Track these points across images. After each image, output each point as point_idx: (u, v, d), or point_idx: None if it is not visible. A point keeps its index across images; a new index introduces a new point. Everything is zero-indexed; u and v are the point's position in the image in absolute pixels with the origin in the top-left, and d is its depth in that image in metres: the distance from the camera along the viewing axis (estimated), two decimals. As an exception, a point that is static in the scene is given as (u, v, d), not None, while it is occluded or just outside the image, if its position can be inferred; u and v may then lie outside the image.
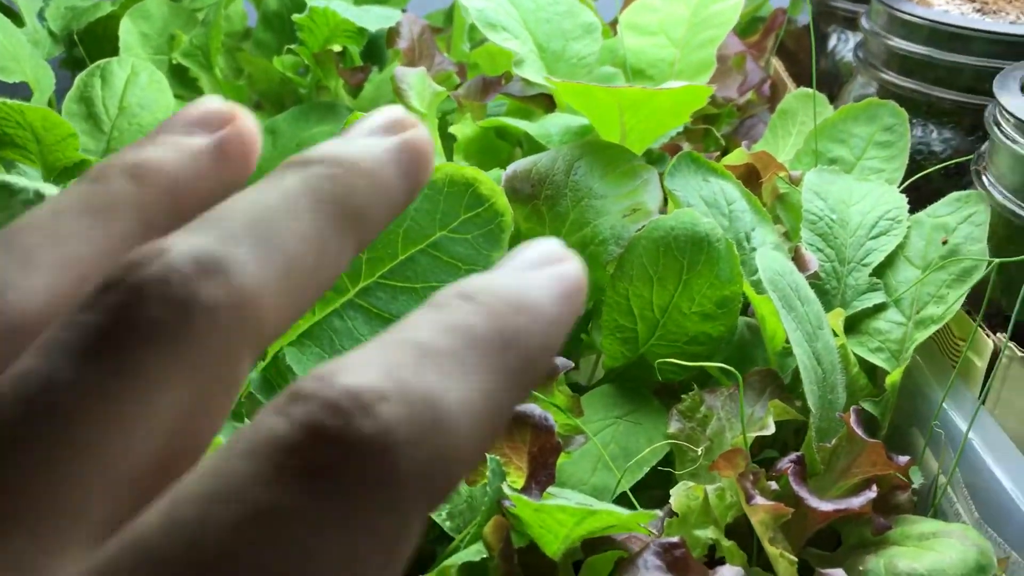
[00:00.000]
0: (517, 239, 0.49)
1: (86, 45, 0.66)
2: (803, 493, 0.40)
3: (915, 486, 0.47)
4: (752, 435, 0.43)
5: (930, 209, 0.52)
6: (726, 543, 0.40)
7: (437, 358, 0.13)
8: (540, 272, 0.15)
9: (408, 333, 0.13)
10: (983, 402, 0.48)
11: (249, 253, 0.14)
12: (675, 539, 0.36)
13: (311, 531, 0.11)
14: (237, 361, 0.14)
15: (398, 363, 0.12)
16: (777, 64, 0.77)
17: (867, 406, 0.50)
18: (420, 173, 0.17)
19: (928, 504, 0.47)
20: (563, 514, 0.32)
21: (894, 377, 0.48)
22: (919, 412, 0.50)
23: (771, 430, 0.42)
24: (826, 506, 0.39)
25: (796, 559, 0.39)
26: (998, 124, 0.50)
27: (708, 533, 0.40)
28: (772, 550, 0.39)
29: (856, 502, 0.39)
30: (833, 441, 0.44)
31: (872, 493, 0.40)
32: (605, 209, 0.47)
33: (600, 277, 0.47)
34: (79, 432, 0.13)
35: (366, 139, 0.17)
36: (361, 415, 0.11)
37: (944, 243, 0.50)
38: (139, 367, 0.13)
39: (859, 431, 0.42)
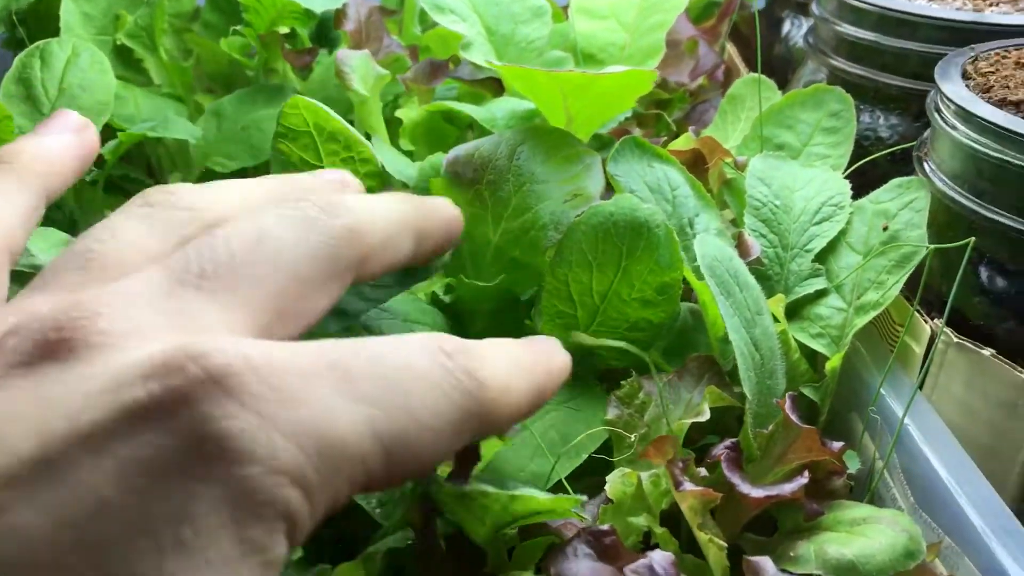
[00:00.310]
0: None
1: (27, 26, 0.64)
2: (735, 479, 0.40)
3: (851, 471, 0.47)
4: (687, 421, 0.43)
5: (872, 195, 0.52)
6: (659, 530, 0.40)
7: (521, 368, 0.28)
8: (555, 358, 0.31)
9: (506, 350, 0.29)
10: (920, 388, 0.49)
11: (368, 219, 0.29)
12: (605, 527, 0.36)
13: (450, 390, 0.25)
14: (351, 271, 0.29)
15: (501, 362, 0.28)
16: (731, 49, 0.77)
17: (807, 392, 0.50)
18: (455, 231, 0.38)
19: (865, 489, 0.47)
20: (486, 500, 0.32)
21: (834, 363, 0.49)
22: (858, 397, 0.50)
23: (706, 416, 0.42)
24: (757, 492, 0.39)
25: (725, 545, 0.39)
26: (939, 111, 0.50)
27: (641, 520, 0.40)
28: (702, 536, 0.39)
29: (788, 488, 0.39)
30: (770, 427, 0.44)
31: (804, 479, 0.40)
32: (547, 194, 0.47)
33: (540, 263, 0.47)
34: (279, 266, 0.26)
35: (434, 201, 0.37)
36: (476, 369, 0.26)
37: (885, 229, 0.50)
38: (315, 245, 0.27)
39: (794, 417, 0.42)
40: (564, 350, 0.30)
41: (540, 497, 0.31)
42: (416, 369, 0.24)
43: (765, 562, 0.34)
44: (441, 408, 0.24)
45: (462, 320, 0.48)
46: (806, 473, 0.41)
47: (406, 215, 0.32)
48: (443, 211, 0.36)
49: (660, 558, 0.36)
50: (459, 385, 0.25)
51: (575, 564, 0.35)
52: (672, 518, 0.43)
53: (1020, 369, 0.43)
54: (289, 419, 0.21)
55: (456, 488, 0.30)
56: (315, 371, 0.22)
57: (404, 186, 0.49)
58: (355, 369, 0.23)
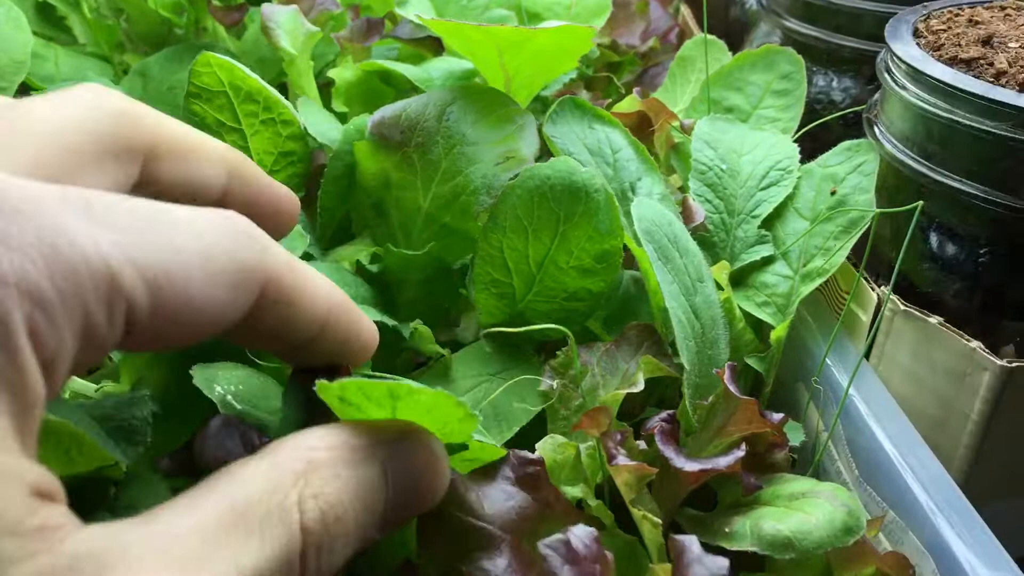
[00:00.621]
0: (387, 188, 0.47)
1: (-59, -19, 0.61)
2: (669, 452, 0.38)
3: (795, 444, 0.46)
4: (621, 392, 0.41)
5: (821, 159, 0.50)
6: (594, 502, 0.38)
7: (315, 274, 0.30)
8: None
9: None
10: (867, 357, 0.47)
11: (152, 112, 0.30)
12: (534, 456, 0.34)
13: None
14: (132, 156, 0.28)
15: None
16: (685, 11, 0.75)
17: (752, 362, 0.48)
18: (286, 206, 0.35)
19: (809, 462, 0.46)
20: (367, 401, 0.29)
21: (779, 332, 0.47)
22: (804, 368, 0.48)
23: (640, 387, 0.41)
24: (692, 466, 0.38)
25: (659, 522, 0.37)
26: (889, 71, 0.48)
27: (577, 491, 0.38)
28: (636, 512, 0.37)
29: (724, 462, 0.38)
30: (710, 399, 0.42)
31: (740, 452, 0.38)
32: (478, 156, 0.45)
33: (472, 229, 0.45)
34: (37, 135, 0.26)
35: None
36: (259, 235, 0.27)
37: (833, 193, 0.48)
38: (82, 117, 0.27)
39: (732, 388, 0.40)
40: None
41: (421, 390, 0.28)
42: (180, 214, 0.23)
43: (690, 542, 0.32)
44: (214, 252, 0.24)
45: (391, 290, 0.46)
46: (743, 446, 0.39)
47: (215, 144, 0.31)
48: (272, 182, 0.34)
49: (582, 533, 0.33)
50: (238, 237, 0.24)
51: (490, 487, 0.34)
52: (611, 490, 0.41)
53: (968, 338, 0.42)
54: (9, 230, 0.20)
55: (331, 382, 0.27)
56: (45, 196, 0.21)
57: (329, 150, 0.47)
58: (97, 202, 0.22)
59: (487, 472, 0.35)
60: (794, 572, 0.39)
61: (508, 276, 0.45)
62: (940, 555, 0.39)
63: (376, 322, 0.44)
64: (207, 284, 0.23)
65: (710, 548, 0.38)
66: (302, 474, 0.25)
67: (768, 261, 0.49)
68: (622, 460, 0.37)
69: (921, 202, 0.42)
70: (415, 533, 0.33)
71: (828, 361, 0.46)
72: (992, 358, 0.40)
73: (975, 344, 0.41)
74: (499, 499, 0.34)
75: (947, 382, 0.43)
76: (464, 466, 0.36)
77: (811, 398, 0.46)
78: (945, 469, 0.42)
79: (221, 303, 0.24)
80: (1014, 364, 0.40)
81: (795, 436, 0.46)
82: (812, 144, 0.53)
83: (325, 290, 0.30)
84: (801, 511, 0.38)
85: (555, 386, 0.43)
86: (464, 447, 0.33)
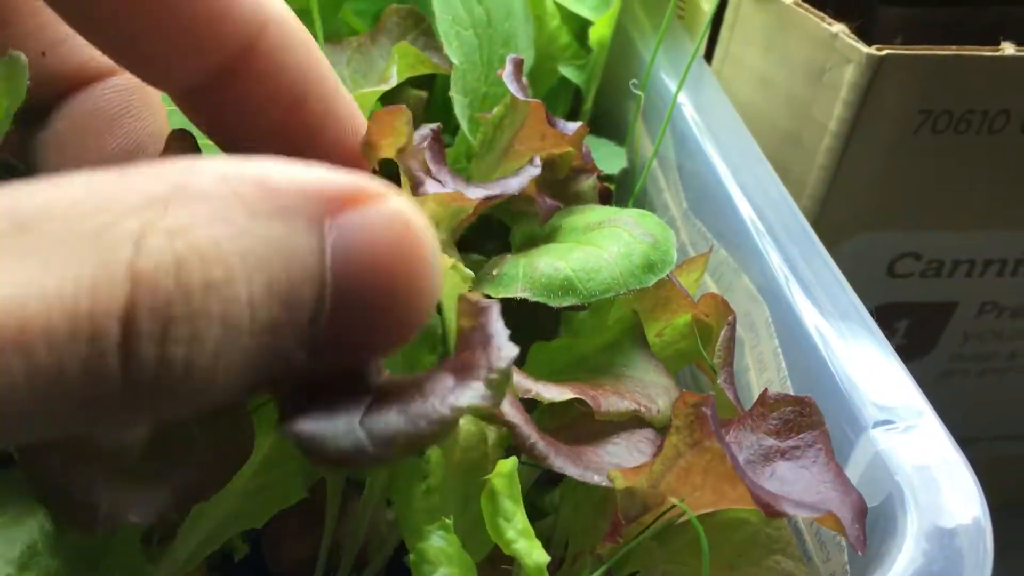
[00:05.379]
0: None
1: None
2: (418, 172, 0.28)
3: (614, 172, 0.36)
4: (377, 90, 0.31)
5: None
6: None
7: None
8: None
9: None
10: (708, 60, 0.37)
11: None
12: None
13: None
14: None
15: None
16: None
17: (569, 73, 0.38)
18: None
19: (628, 194, 0.37)
20: None
21: (602, 29, 0.36)
22: (636, 78, 0.38)
23: (391, 82, 0.30)
24: (436, 188, 0.28)
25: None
26: None
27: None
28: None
29: (509, 185, 0.28)
30: (495, 109, 0.32)
31: (536, 168, 0.28)
32: None
33: None
34: None
35: None
36: None
37: None
38: None
39: (515, 86, 0.30)
40: None
41: None
42: None
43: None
44: None
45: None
46: (537, 161, 0.29)
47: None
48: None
49: None
50: None
51: None
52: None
53: (829, 20, 0.31)
54: None
55: None
56: None
57: None
58: None
59: None
60: (593, 322, 0.30)
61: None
62: (775, 301, 0.31)
63: None
64: None
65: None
66: (162, 198, 0.14)
67: (593, -62, 0.37)
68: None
69: None
70: None
71: (659, 66, 0.36)
72: (858, 45, 0.31)
73: (837, 28, 0.31)
74: None
75: (803, 82, 0.33)
76: None
77: (637, 113, 0.36)
78: (794, 200, 0.33)
79: None
80: (884, 52, 0.30)
81: (614, 163, 0.36)
82: None
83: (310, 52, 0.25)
84: (592, 244, 0.28)
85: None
86: None
